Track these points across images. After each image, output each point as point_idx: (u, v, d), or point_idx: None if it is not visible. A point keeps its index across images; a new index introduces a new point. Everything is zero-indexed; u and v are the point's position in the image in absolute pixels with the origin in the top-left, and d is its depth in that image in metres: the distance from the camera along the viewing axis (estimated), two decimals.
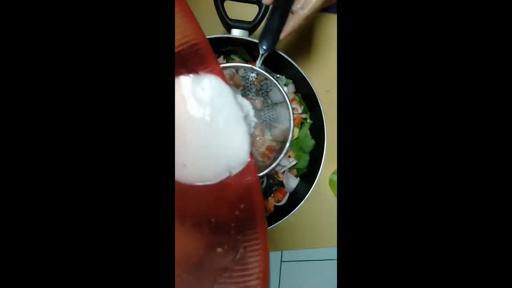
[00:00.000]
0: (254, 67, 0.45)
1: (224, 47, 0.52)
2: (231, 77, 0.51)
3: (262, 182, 0.55)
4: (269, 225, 0.49)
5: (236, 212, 0.32)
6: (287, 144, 0.44)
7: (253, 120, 0.42)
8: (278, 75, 0.55)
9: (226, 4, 0.48)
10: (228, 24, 0.48)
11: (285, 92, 0.45)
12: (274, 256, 1.25)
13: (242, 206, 0.32)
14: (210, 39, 0.47)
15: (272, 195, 0.55)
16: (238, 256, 0.27)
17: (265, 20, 0.43)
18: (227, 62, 0.54)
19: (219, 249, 0.29)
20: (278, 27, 0.43)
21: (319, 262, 1.25)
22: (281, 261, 1.24)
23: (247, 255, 0.27)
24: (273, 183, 0.55)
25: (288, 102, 0.45)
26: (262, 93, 0.52)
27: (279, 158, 0.44)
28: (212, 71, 0.36)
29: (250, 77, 0.52)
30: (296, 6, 0.42)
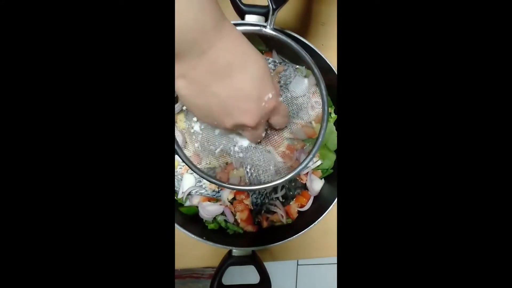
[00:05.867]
0: (264, 29, 0.37)
1: None
2: None
3: (283, 186, 0.50)
4: (293, 235, 0.44)
5: None
6: (319, 140, 0.38)
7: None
8: (297, 66, 0.50)
9: None
10: (241, 10, 0.42)
11: (315, 68, 0.39)
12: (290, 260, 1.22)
13: None
14: None
15: (294, 199, 0.49)
16: None
17: None
18: None
19: None
20: None
21: (334, 266, 1.24)
22: (298, 264, 1.21)
23: None
24: (295, 186, 0.49)
25: (321, 79, 0.39)
26: (281, 86, 0.46)
27: (307, 161, 0.38)
28: None
29: None
30: None
